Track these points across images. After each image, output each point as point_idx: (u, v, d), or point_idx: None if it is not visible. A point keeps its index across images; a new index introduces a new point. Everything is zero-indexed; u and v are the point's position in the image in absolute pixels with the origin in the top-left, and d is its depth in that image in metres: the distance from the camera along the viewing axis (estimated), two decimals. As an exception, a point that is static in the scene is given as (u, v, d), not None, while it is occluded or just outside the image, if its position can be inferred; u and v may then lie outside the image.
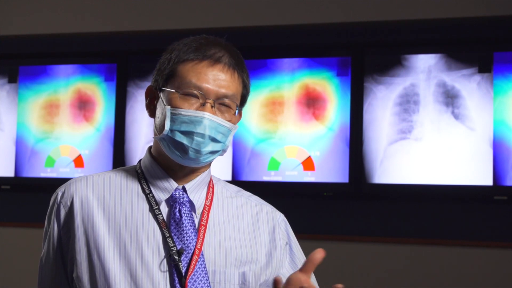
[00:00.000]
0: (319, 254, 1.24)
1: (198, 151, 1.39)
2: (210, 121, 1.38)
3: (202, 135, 1.38)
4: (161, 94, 1.43)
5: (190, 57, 1.41)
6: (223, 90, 1.41)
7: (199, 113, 1.38)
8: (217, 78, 1.40)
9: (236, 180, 3.65)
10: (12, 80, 4.11)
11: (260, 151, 3.69)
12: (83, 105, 3.98)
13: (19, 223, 4.00)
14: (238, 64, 1.44)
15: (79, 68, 4.01)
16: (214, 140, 1.39)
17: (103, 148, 3.93)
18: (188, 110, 1.38)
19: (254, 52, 3.75)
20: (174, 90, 1.40)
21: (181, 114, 1.38)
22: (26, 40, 4.09)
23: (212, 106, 1.39)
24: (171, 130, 1.39)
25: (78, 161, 3.94)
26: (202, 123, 1.38)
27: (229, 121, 1.42)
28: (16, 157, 4.04)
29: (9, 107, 4.09)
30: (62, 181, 1.41)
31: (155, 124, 1.44)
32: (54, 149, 3.99)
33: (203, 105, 1.39)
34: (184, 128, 1.38)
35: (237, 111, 1.44)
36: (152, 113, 1.47)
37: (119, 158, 3.88)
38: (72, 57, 4.03)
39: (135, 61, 3.93)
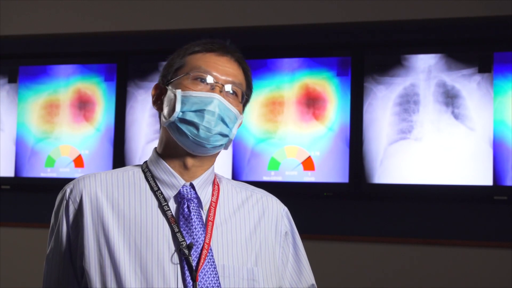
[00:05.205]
0: None
1: (209, 130, 1.42)
2: (220, 102, 1.43)
3: (213, 113, 1.42)
4: (170, 86, 1.47)
5: (199, 49, 1.48)
6: (230, 78, 1.47)
7: (209, 94, 1.43)
8: (224, 67, 1.47)
9: (236, 180, 3.64)
10: (12, 80, 4.10)
11: (260, 151, 3.69)
12: (83, 105, 3.98)
13: (19, 223, 4.00)
14: (243, 60, 1.51)
15: (79, 68, 4.01)
16: (223, 121, 1.44)
17: (103, 148, 3.92)
18: (199, 92, 1.43)
19: (254, 52, 3.75)
20: (184, 74, 1.45)
21: (192, 96, 1.43)
22: (26, 40, 4.08)
23: (220, 91, 1.44)
24: (182, 112, 1.42)
25: (78, 161, 3.94)
26: (212, 102, 1.42)
27: (235, 107, 1.47)
28: (16, 157, 4.04)
29: (9, 107, 4.09)
30: (62, 181, 1.42)
31: (163, 115, 1.47)
32: (54, 149, 3.99)
33: (212, 88, 1.44)
34: (195, 108, 1.42)
35: (242, 104, 1.49)
36: (159, 107, 1.50)
37: (119, 158, 3.88)
38: (72, 57, 4.03)
39: (135, 61, 3.92)
